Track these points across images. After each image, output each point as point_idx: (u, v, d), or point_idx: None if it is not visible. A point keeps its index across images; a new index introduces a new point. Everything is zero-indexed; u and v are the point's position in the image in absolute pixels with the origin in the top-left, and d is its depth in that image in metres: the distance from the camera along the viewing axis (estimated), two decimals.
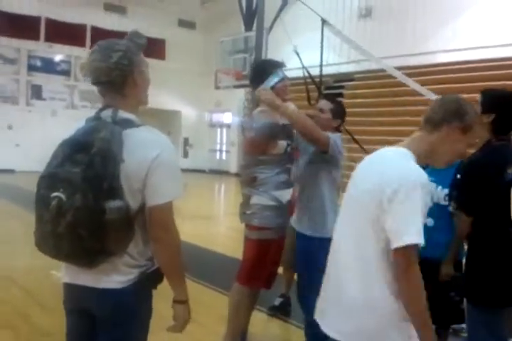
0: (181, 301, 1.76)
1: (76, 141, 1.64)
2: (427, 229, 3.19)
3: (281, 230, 3.09)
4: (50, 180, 1.60)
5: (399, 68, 11.48)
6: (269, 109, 2.93)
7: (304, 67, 5.78)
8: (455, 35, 12.34)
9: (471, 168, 2.48)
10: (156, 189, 1.66)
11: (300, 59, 5.80)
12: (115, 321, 1.69)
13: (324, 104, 3.08)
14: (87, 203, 1.52)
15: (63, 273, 1.80)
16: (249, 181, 3.06)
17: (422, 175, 1.72)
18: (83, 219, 1.53)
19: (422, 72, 12.36)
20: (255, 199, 3.01)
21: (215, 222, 9.43)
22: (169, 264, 1.74)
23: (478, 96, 2.54)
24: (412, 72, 12.17)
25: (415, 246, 1.62)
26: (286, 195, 3.08)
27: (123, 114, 1.72)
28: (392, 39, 13.53)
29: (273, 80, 2.99)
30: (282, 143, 3.01)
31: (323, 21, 6.12)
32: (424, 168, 3.32)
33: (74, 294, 1.77)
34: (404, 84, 6.55)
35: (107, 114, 1.71)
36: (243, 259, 3.15)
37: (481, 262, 2.44)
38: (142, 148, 1.65)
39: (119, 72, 1.72)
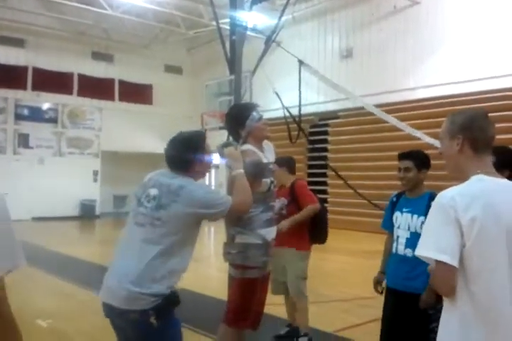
0: None
1: None
2: (408, 261, 3.20)
3: (266, 269, 3.07)
4: None
5: (381, 105, 11.77)
6: (252, 148, 3.04)
7: (284, 107, 5.92)
8: (434, 71, 12.69)
9: None
10: None
11: (280, 99, 5.95)
12: None
13: None
14: None
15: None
16: (234, 220, 3.05)
17: None
18: None
19: (404, 108, 12.65)
20: (240, 238, 3.00)
21: (205, 264, 9.29)
22: None
23: None
24: (394, 108, 12.46)
25: None
26: (271, 232, 3.09)
27: None
28: (373, 77, 13.89)
29: (252, 124, 3.07)
30: (266, 181, 3.04)
31: (301, 62, 6.32)
32: (398, 198, 3.38)
33: None
34: (385, 121, 6.69)
35: None
36: (229, 300, 3.12)
37: None
38: None
39: None
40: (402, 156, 3.29)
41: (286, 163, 4.44)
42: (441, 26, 12.64)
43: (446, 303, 1.79)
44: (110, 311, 2.36)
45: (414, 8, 13.38)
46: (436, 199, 1.75)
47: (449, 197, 1.72)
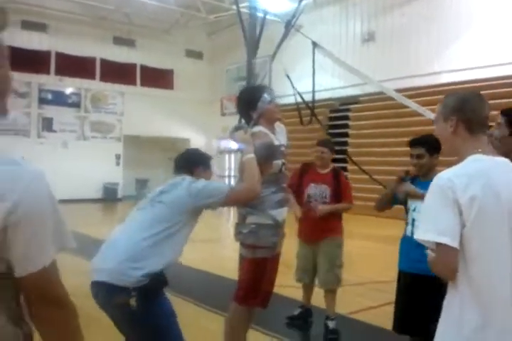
0: None
1: None
2: (419, 243, 3.21)
3: (276, 249, 3.12)
4: None
5: (404, 89, 11.65)
6: (263, 130, 3.07)
7: (294, 89, 5.96)
8: (458, 55, 12.47)
9: None
10: (22, 253, 1.12)
11: (291, 82, 5.99)
12: None
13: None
14: None
15: None
16: None
17: None
18: None
19: (427, 93, 12.47)
20: (251, 219, 3.05)
21: (221, 245, 9.41)
22: None
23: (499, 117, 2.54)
24: (417, 92, 12.31)
25: None
26: (282, 213, 3.13)
27: None
28: (396, 61, 13.71)
29: (263, 106, 3.10)
30: (277, 163, 3.07)
31: (314, 44, 6.27)
32: (412, 181, 3.37)
33: None
34: (406, 106, 6.63)
35: None
36: (239, 279, 3.19)
37: None
38: None
39: None
40: (413, 143, 3.30)
41: (330, 144, 4.60)
42: (466, 10, 12.38)
43: (449, 287, 1.78)
44: (97, 290, 2.43)
45: None
46: (434, 181, 1.74)
47: (446, 178, 1.70)
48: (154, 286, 2.40)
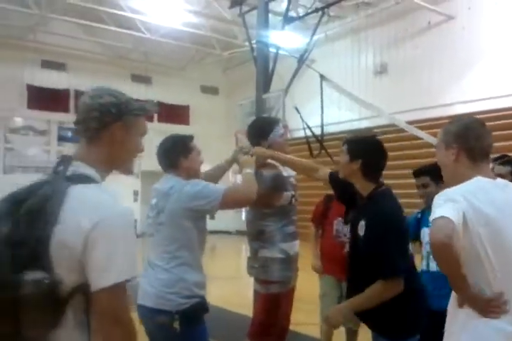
0: None
1: (14, 197, 1.34)
2: (442, 277, 3.10)
3: (290, 283, 3.08)
4: None
5: (417, 121, 11.67)
6: (271, 161, 3.06)
7: (303, 121, 6.00)
8: (471, 86, 12.50)
9: (392, 221, 2.35)
10: (98, 267, 1.27)
11: (299, 114, 6.03)
12: None
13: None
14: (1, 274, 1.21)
15: None
16: (256, 234, 3.08)
17: None
18: None
19: (440, 124, 12.41)
20: (263, 253, 3.02)
21: (241, 282, 9.28)
22: None
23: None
24: (430, 124, 12.29)
25: None
26: (294, 246, 3.09)
27: (82, 169, 1.44)
28: (409, 93, 13.77)
29: (274, 138, 3.12)
30: (287, 195, 3.06)
31: (322, 77, 6.35)
32: (423, 214, 3.26)
33: None
34: (418, 137, 6.62)
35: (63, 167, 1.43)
36: (254, 315, 3.15)
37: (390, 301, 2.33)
38: (81, 211, 1.31)
39: (99, 114, 1.51)
40: (418, 173, 3.26)
41: None
42: (478, 41, 12.48)
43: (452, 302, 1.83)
44: (142, 312, 2.51)
45: (449, 24, 13.28)
46: (436, 196, 1.75)
47: (448, 190, 1.73)
48: (196, 310, 2.46)
